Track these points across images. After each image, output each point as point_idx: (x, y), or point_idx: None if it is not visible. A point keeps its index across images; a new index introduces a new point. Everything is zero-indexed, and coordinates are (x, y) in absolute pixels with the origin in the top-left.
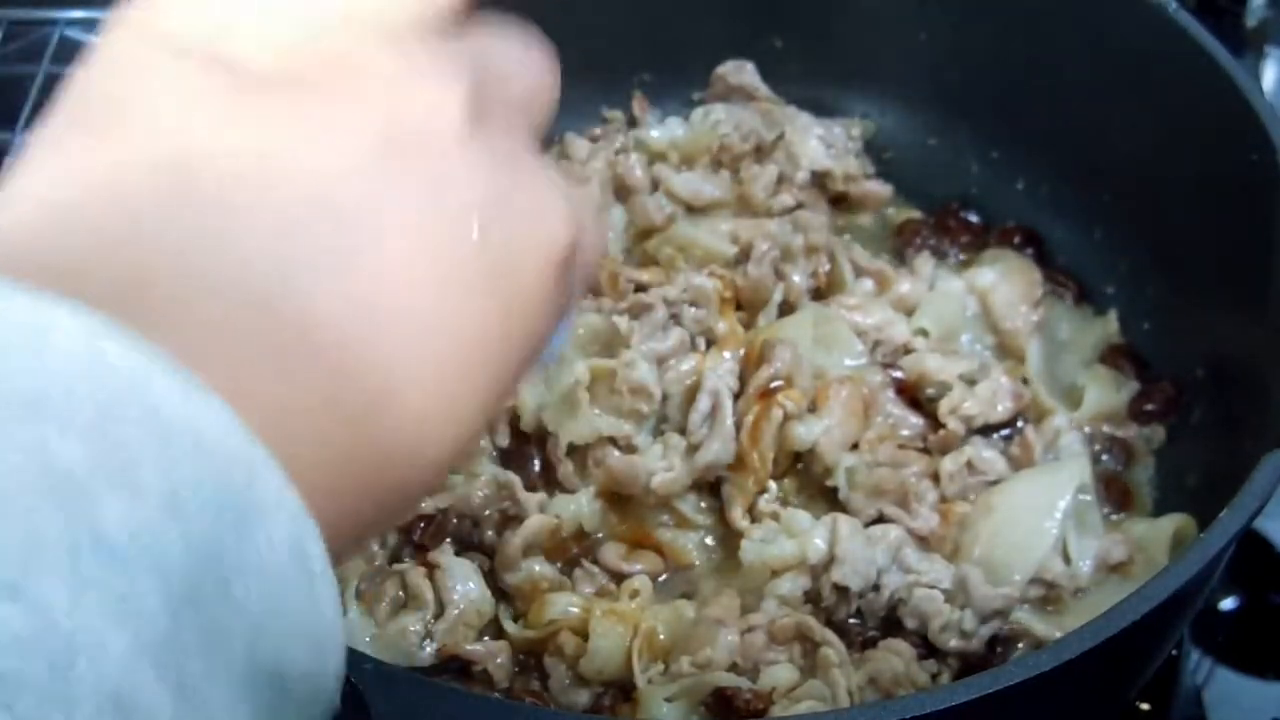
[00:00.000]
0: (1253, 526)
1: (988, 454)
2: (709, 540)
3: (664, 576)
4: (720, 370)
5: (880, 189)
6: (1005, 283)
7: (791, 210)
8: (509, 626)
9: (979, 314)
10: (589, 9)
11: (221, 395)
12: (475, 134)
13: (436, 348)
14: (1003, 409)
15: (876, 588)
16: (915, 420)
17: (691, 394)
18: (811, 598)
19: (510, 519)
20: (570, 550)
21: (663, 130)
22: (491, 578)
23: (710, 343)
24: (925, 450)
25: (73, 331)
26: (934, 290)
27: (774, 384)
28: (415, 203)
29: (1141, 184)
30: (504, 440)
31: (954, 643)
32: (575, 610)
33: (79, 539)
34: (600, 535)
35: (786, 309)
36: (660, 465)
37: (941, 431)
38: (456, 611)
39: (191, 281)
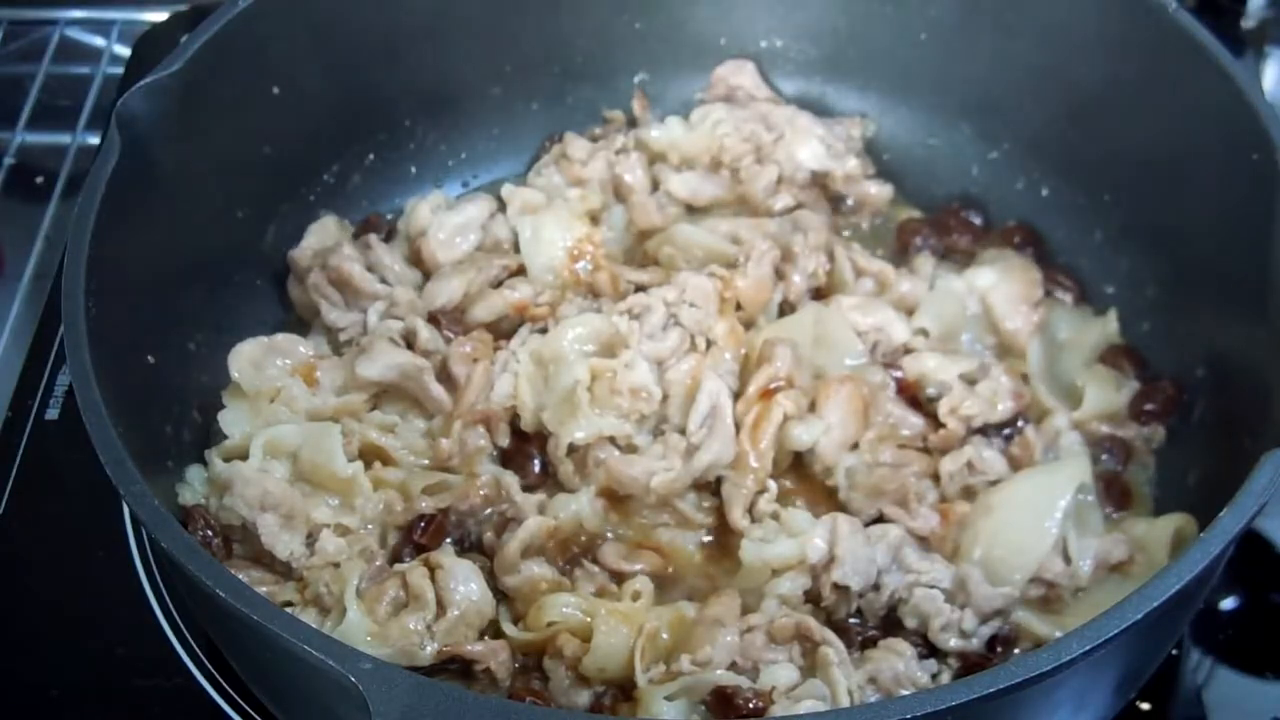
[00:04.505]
0: (1253, 526)
1: (988, 454)
2: (709, 539)
3: (664, 580)
4: (720, 370)
5: (880, 189)
6: (1005, 283)
7: (791, 210)
8: (508, 629)
9: (979, 314)
10: (589, 10)
11: None
12: None
13: None
14: (1003, 409)
15: (876, 587)
16: (915, 420)
17: (691, 394)
18: (811, 597)
19: (509, 520)
20: (571, 550)
21: (663, 130)
22: (491, 578)
23: (710, 343)
24: (925, 450)
25: None
26: (934, 290)
27: (774, 384)
28: None
29: (1141, 184)
30: (504, 440)
31: (954, 642)
32: (574, 611)
33: None
34: (604, 535)
35: (786, 309)
36: (660, 465)
37: (941, 431)
38: (457, 612)
39: None
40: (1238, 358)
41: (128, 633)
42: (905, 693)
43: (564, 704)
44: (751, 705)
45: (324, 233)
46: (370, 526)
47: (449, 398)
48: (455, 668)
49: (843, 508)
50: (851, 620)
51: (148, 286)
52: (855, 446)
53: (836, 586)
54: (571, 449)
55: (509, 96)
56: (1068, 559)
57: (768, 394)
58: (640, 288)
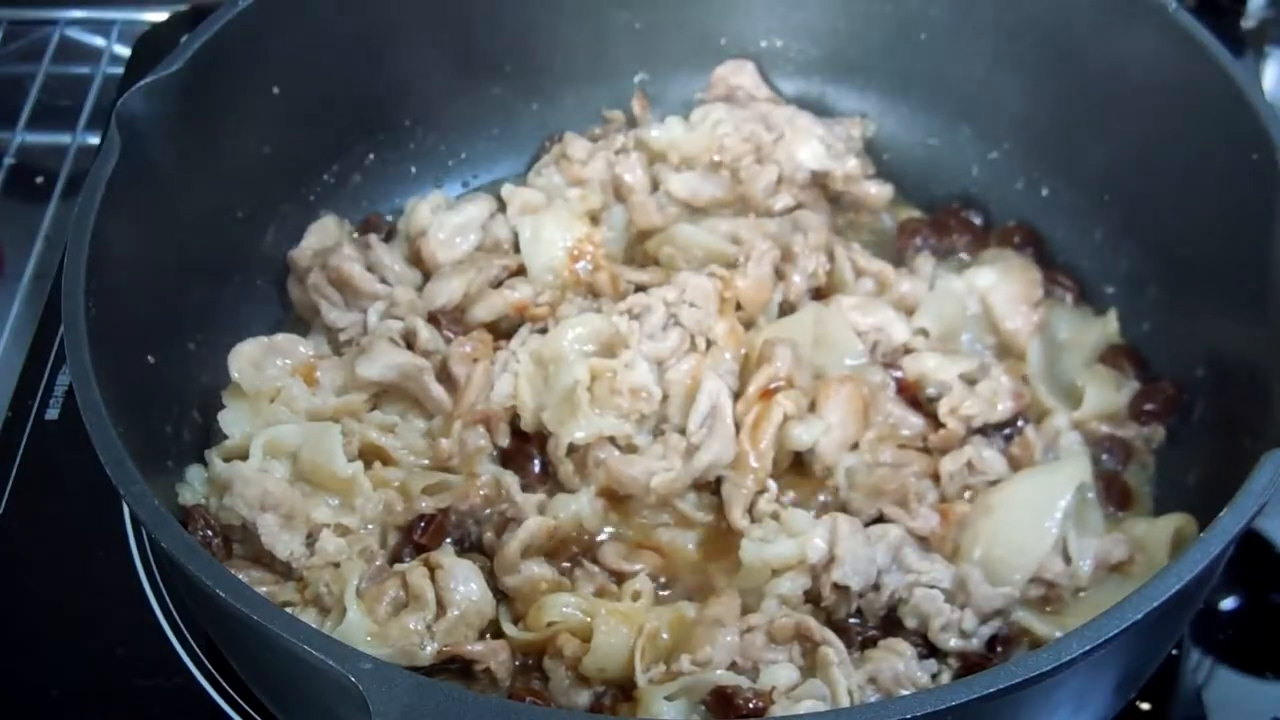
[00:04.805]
0: (1253, 526)
1: (988, 454)
2: (709, 539)
3: (664, 580)
4: (720, 370)
5: (880, 189)
6: (1005, 283)
7: (791, 210)
8: (508, 629)
9: (979, 314)
10: (589, 9)
11: None
12: None
13: None
14: (1003, 409)
15: (876, 587)
16: (915, 420)
17: (691, 394)
18: (812, 597)
19: (509, 520)
20: (571, 550)
21: (663, 130)
22: (491, 578)
23: (710, 343)
24: (925, 450)
25: None
26: (934, 290)
27: (774, 384)
28: None
29: (1141, 184)
30: (504, 440)
31: (954, 642)
32: (574, 611)
33: None
34: (605, 534)
35: (786, 309)
36: (660, 465)
37: (941, 431)
38: (458, 612)
39: None
40: (1238, 358)
41: (128, 633)
42: (905, 693)
43: (564, 704)
44: (751, 705)
45: (324, 233)
46: (370, 526)
47: (449, 398)
48: (455, 668)
49: (843, 508)
50: (851, 620)
51: (148, 286)
52: (855, 446)
53: (836, 586)
54: (571, 449)
55: (509, 96)
56: (1068, 559)
57: (768, 394)
58: (640, 288)
